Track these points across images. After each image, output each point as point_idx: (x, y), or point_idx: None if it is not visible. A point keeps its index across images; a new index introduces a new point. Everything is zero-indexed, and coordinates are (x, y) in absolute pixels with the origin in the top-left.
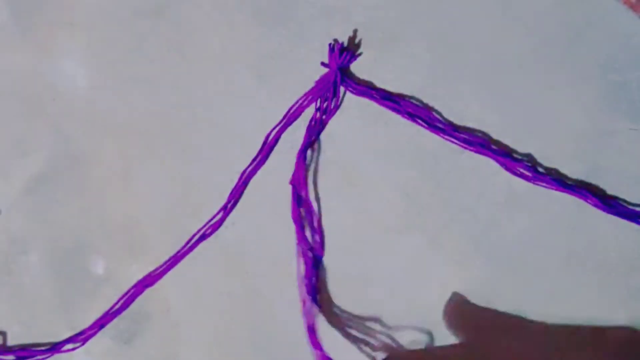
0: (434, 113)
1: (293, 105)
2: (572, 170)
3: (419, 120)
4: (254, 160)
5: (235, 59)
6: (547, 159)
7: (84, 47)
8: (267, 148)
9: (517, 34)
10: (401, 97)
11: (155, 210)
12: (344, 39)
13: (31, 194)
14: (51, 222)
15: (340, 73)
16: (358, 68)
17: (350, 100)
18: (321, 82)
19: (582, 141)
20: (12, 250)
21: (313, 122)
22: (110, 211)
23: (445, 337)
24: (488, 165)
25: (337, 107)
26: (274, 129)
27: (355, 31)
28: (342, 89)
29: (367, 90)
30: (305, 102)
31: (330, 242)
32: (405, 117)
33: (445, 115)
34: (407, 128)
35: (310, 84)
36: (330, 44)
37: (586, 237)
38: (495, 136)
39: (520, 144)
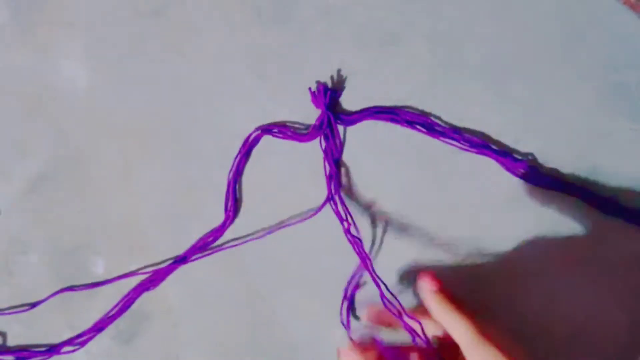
0: (432, 118)
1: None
2: (572, 170)
3: (418, 127)
4: (234, 161)
5: (235, 59)
6: (547, 159)
7: (84, 47)
8: (245, 148)
9: (517, 34)
10: (395, 108)
11: (155, 210)
12: (344, 40)
13: (31, 194)
14: (51, 222)
15: (331, 114)
16: (358, 70)
17: (350, 101)
18: (316, 126)
19: (582, 141)
20: (12, 250)
21: (326, 162)
22: (110, 211)
23: None
24: (488, 165)
25: (341, 143)
26: (254, 131)
27: (338, 71)
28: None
29: (361, 115)
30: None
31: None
32: (404, 126)
33: (446, 115)
34: (407, 128)
35: (310, 85)
36: (310, 89)
37: (586, 237)
38: (495, 136)
39: (520, 144)
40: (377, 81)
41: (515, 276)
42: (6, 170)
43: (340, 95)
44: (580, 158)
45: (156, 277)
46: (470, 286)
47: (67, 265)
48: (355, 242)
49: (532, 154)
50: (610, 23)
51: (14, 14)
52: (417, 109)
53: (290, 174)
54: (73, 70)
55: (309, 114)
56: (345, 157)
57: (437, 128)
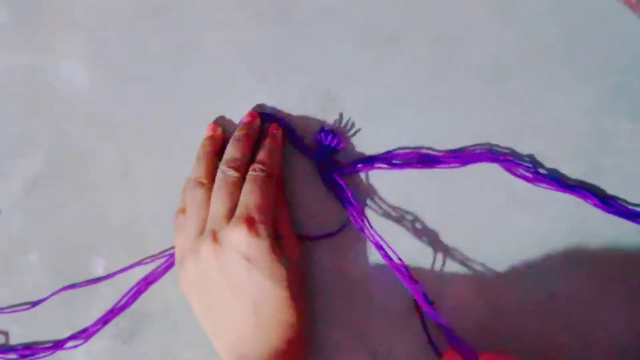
0: (423, 150)
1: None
2: (572, 170)
3: (416, 164)
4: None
5: (235, 59)
6: (547, 159)
7: (84, 47)
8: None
9: (517, 34)
10: (389, 153)
11: (155, 210)
12: (344, 40)
13: (31, 194)
14: (51, 222)
15: (329, 160)
16: (358, 70)
17: (350, 100)
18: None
19: (582, 141)
20: (12, 250)
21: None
22: (110, 211)
23: None
24: (488, 165)
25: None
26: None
27: (341, 115)
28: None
29: (358, 167)
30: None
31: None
32: (403, 168)
33: (445, 115)
34: (407, 128)
35: (310, 84)
36: (320, 132)
37: (586, 237)
38: (495, 136)
39: (520, 144)
40: (377, 81)
41: (515, 276)
42: (6, 170)
43: (343, 143)
44: (580, 158)
45: (156, 277)
46: (470, 286)
47: (67, 265)
48: (399, 268)
49: (532, 154)
50: (610, 23)
51: (14, 14)
52: (410, 147)
53: (288, 170)
54: (73, 70)
55: (309, 114)
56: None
57: (435, 154)
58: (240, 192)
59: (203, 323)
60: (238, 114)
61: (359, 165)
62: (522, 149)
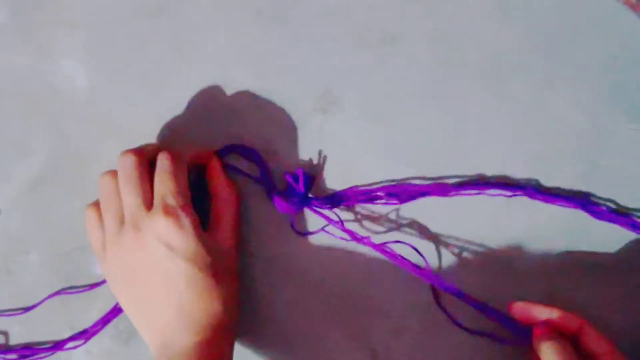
0: (414, 182)
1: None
2: (572, 171)
3: (403, 197)
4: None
5: (235, 59)
6: (547, 159)
7: (84, 47)
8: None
9: (517, 34)
10: (374, 184)
11: None
12: (344, 40)
13: (31, 194)
14: (51, 222)
15: (305, 199)
16: (357, 70)
17: (350, 100)
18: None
19: (582, 141)
20: (12, 250)
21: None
22: None
23: None
24: (488, 165)
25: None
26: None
27: (320, 152)
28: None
29: (336, 199)
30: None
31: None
32: (393, 203)
33: (444, 115)
34: (407, 128)
35: (310, 84)
36: (290, 175)
37: (586, 237)
38: (495, 137)
39: (520, 145)
40: (377, 81)
41: (515, 276)
42: (6, 170)
43: (314, 182)
44: (580, 158)
45: None
46: (470, 287)
47: (67, 265)
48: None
49: (535, 179)
50: (610, 23)
51: (14, 14)
52: (394, 180)
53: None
54: (73, 70)
55: (308, 115)
56: (344, 156)
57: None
58: (148, 179)
59: (129, 314)
60: (238, 113)
61: (336, 199)
62: (522, 149)
